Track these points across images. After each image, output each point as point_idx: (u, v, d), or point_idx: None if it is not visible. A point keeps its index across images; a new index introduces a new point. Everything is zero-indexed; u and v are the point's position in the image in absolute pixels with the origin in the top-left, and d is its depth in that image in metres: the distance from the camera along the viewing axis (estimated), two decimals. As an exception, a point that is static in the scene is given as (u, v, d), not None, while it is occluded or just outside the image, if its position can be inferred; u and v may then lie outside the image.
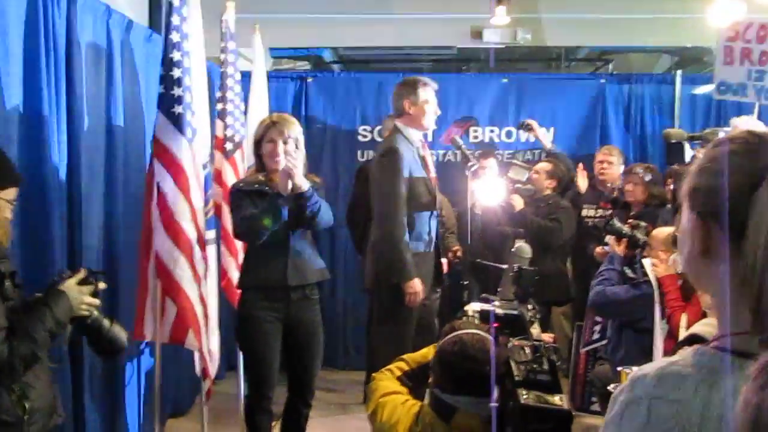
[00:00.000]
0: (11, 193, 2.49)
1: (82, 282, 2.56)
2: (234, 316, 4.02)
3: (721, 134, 4.89)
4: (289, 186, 3.59)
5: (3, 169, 2.51)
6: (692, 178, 1.00)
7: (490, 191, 5.02)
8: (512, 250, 4.04)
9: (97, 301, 2.59)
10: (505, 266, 2.91)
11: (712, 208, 0.95)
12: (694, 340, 1.17)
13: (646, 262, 3.96)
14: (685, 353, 1.00)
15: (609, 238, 4.54)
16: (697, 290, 3.62)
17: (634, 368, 2.76)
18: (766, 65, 5.03)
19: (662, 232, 4.29)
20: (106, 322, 2.65)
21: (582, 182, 5.76)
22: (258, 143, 3.79)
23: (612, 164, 5.75)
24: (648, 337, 4.04)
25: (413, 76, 4.71)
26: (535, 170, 5.65)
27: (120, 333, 2.70)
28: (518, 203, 5.46)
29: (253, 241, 3.71)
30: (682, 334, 3.53)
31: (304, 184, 3.62)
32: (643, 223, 4.54)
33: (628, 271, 4.48)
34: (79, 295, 2.53)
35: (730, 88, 5.19)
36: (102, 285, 2.65)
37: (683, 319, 3.59)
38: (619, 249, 4.43)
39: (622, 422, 0.98)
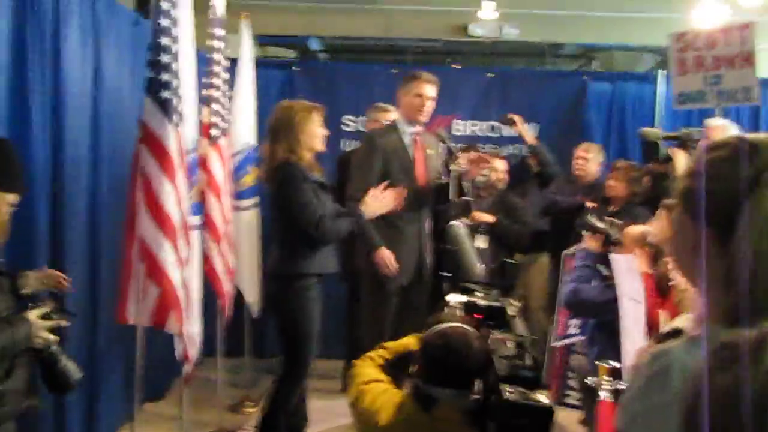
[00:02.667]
0: (14, 198, 2.62)
1: (45, 316, 2.61)
2: (278, 299, 4.09)
3: (696, 135, 4.98)
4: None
5: (15, 175, 2.65)
6: (685, 181, 1.06)
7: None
8: (448, 226, 4.13)
9: (53, 338, 2.63)
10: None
11: (702, 210, 1.00)
12: (676, 333, 1.21)
13: (613, 258, 3.98)
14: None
15: (584, 234, 4.57)
16: (674, 287, 3.69)
17: (611, 362, 2.81)
18: (720, 69, 5.14)
19: (635, 230, 4.34)
20: (62, 359, 2.68)
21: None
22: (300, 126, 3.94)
23: (588, 160, 5.81)
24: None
25: (417, 70, 4.81)
26: (493, 168, 5.67)
27: (73, 371, 2.73)
28: (488, 218, 5.47)
29: (322, 242, 3.93)
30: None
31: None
32: (618, 221, 4.59)
33: (602, 269, 4.53)
34: (36, 329, 2.58)
35: (689, 97, 5.32)
36: (64, 323, 2.70)
37: (662, 316, 3.64)
38: (593, 245, 4.47)
39: (648, 393, 1.01)
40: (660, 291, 3.79)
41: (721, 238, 0.97)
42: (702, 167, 1.04)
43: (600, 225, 4.47)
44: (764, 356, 0.76)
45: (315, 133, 3.99)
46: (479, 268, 4.61)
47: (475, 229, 5.23)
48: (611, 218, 4.59)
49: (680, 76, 5.35)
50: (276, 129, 3.96)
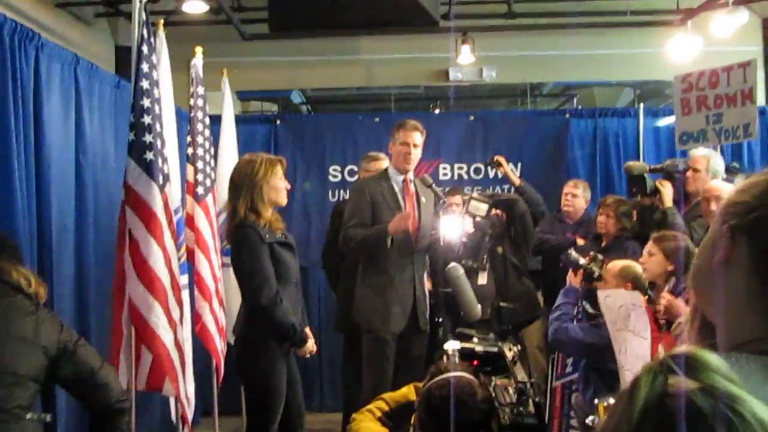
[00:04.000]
0: None
1: None
2: (241, 361, 3.95)
3: (681, 165, 5.02)
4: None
5: None
6: (731, 196, 1.08)
7: (452, 226, 5.03)
8: (446, 269, 4.12)
9: None
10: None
11: (746, 225, 1.02)
12: None
13: (601, 295, 3.94)
14: None
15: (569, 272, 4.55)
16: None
17: (610, 399, 2.77)
18: (721, 107, 5.25)
19: (616, 265, 4.32)
20: None
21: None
22: None
23: (576, 197, 5.82)
24: (614, 376, 4.03)
25: (403, 119, 4.87)
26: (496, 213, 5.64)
27: None
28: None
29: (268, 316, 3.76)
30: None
31: None
32: (600, 256, 4.58)
33: (587, 306, 4.50)
34: None
35: (691, 137, 5.47)
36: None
37: (660, 350, 3.61)
38: (575, 281, 4.46)
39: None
40: (657, 325, 3.77)
41: (758, 250, 1.00)
42: (750, 184, 1.06)
43: (581, 261, 4.47)
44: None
45: (279, 187, 3.86)
46: (478, 308, 4.57)
47: (474, 269, 5.22)
48: (595, 253, 4.58)
49: (683, 117, 5.48)
50: (238, 184, 3.79)
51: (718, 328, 1.06)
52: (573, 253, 4.60)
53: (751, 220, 1.02)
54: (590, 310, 4.51)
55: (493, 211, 5.36)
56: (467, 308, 4.36)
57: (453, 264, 4.42)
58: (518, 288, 5.12)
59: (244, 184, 3.76)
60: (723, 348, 1.04)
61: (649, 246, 3.98)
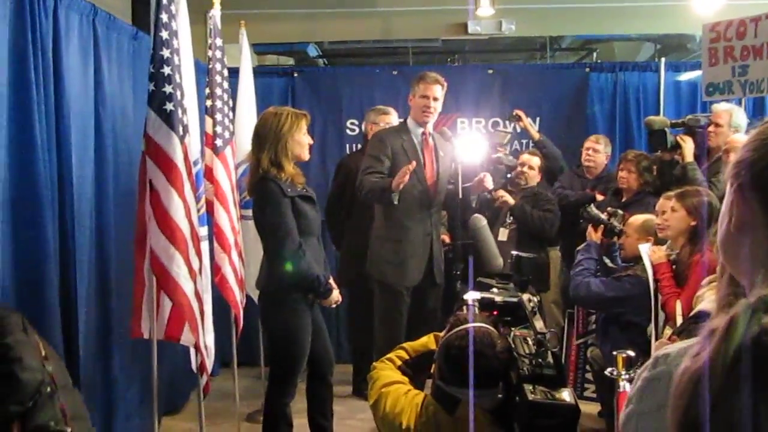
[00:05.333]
0: None
1: None
2: (265, 314, 4.08)
3: (702, 120, 4.96)
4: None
5: None
6: (737, 154, 1.02)
7: (472, 149, 5.01)
8: (469, 221, 4.12)
9: None
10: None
11: (751, 180, 0.97)
12: (700, 316, 1.20)
13: (643, 249, 3.96)
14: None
15: (588, 226, 4.55)
16: (694, 275, 3.66)
17: (629, 352, 2.79)
18: (747, 59, 5.15)
19: (637, 219, 4.32)
20: None
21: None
22: None
23: (598, 152, 5.78)
24: (634, 329, 4.06)
25: (426, 72, 4.83)
26: (524, 163, 5.63)
27: None
28: (509, 199, 5.42)
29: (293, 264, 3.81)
30: (679, 320, 3.56)
31: None
32: (620, 211, 4.57)
33: (607, 261, 4.51)
34: None
35: (717, 88, 5.38)
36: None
37: (678, 305, 3.62)
38: (596, 236, 4.46)
39: (643, 398, 1.01)
40: (677, 280, 3.77)
41: None
42: (754, 139, 0.99)
43: (601, 216, 4.46)
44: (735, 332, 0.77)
45: (302, 142, 3.90)
46: (500, 260, 4.59)
47: (496, 219, 5.24)
48: (615, 209, 4.57)
49: (710, 67, 5.38)
50: (262, 136, 3.84)
51: (748, 292, 1.01)
52: (593, 209, 4.60)
53: (756, 174, 0.96)
54: (610, 265, 4.52)
55: (500, 198, 5.33)
56: (488, 258, 4.40)
57: (476, 215, 4.44)
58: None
59: (269, 136, 3.78)
60: None
61: (672, 202, 3.96)
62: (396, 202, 4.49)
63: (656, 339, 3.61)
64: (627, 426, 1.03)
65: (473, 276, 4.36)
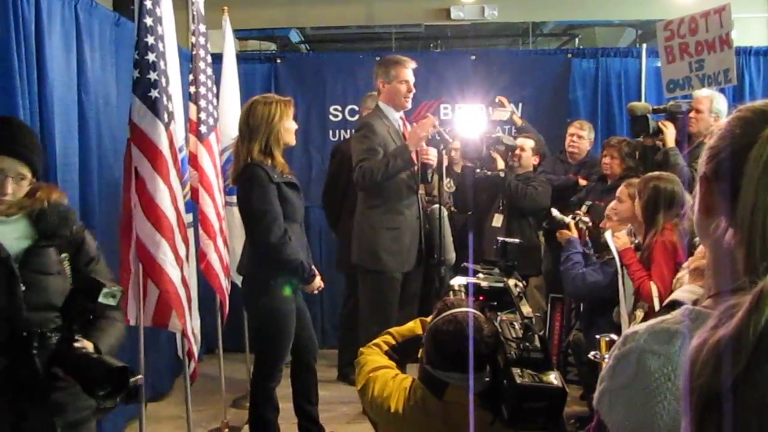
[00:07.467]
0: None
1: None
2: (249, 300, 4.09)
3: (684, 106, 5.03)
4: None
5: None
6: (708, 142, 1.07)
7: (472, 123, 5.06)
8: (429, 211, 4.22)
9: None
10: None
11: (713, 169, 1.02)
12: (674, 305, 1.23)
13: (608, 235, 4.02)
14: (676, 312, 1.05)
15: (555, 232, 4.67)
16: (656, 259, 3.73)
17: (612, 335, 2.83)
18: (702, 54, 5.33)
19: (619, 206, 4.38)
20: None
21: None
22: None
23: (582, 138, 5.82)
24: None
25: (391, 55, 4.79)
26: (520, 147, 5.63)
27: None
28: (500, 163, 5.41)
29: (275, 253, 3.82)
30: (656, 302, 3.61)
31: None
32: (584, 208, 4.68)
33: (586, 249, 4.58)
34: None
35: (678, 84, 5.56)
36: None
37: (653, 288, 3.66)
38: (571, 232, 4.53)
39: (614, 375, 1.04)
40: (644, 264, 3.84)
41: (729, 196, 0.97)
42: (717, 130, 1.05)
43: (566, 219, 4.56)
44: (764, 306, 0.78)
45: (290, 128, 3.94)
46: (452, 255, 4.73)
47: (492, 203, 5.33)
48: (577, 212, 4.70)
49: (668, 65, 5.52)
50: (254, 127, 3.82)
51: (705, 279, 1.07)
52: (556, 214, 4.68)
53: (717, 164, 1.01)
54: (588, 251, 4.58)
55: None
56: (445, 249, 4.53)
57: (436, 205, 4.53)
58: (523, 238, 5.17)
59: (261, 127, 3.79)
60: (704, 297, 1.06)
61: (621, 189, 4.09)
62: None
63: (628, 324, 3.66)
64: (600, 402, 1.06)
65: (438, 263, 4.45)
